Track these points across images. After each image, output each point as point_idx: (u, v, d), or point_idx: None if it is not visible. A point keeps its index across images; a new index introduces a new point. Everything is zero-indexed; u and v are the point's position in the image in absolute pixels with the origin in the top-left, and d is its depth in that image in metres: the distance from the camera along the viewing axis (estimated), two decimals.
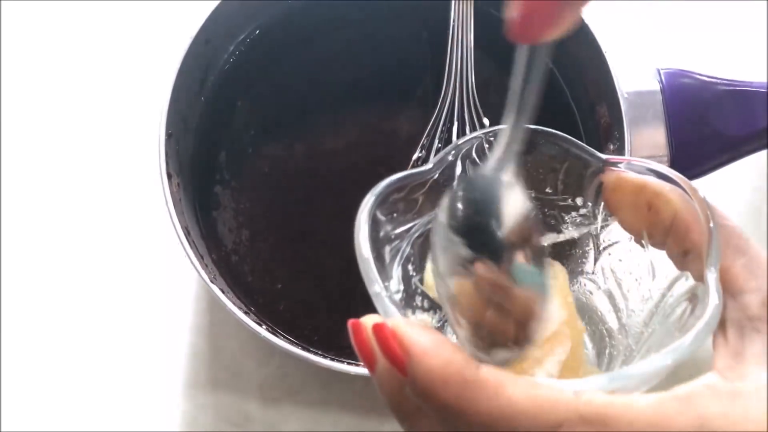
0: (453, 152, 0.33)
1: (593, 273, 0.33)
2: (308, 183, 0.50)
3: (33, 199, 0.54)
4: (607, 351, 0.32)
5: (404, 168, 0.48)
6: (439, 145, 0.49)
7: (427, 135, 0.49)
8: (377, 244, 0.30)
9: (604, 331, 0.32)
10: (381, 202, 0.30)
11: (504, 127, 0.28)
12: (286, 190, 0.50)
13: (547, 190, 0.33)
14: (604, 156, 0.31)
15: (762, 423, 0.22)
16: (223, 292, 0.43)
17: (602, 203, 0.32)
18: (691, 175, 0.49)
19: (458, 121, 0.48)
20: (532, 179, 0.33)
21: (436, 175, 0.33)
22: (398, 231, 0.32)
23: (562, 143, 0.32)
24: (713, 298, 0.25)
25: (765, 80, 0.48)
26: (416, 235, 0.33)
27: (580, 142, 0.32)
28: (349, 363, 0.44)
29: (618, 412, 0.22)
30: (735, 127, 0.47)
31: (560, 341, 0.29)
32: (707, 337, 0.25)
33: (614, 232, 0.32)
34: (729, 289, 0.26)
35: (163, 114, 0.45)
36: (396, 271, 0.31)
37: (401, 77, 0.52)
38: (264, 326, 0.44)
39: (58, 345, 0.51)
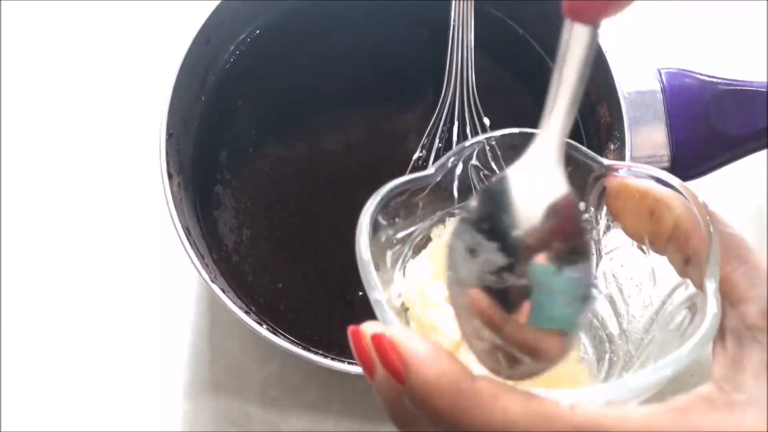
0: (455, 157, 0.33)
1: (595, 278, 0.33)
2: (309, 182, 0.50)
3: (33, 200, 0.54)
4: (607, 356, 0.31)
5: (405, 167, 0.49)
6: (440, 145, 0.49)
7: (428, 135, 0.49)
8: (379, 248, 0.30)
9: (605, 336, 0.32)
10: (383, 206, 0.30)
11: (512, 131, 0.28)
12: (286, 190, 0.50)
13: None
14: (606, 161, 0.31)
15: None
16: (223, 291, 0.43)
17: (604, 208, 0.32)
18: (692, 175, 0.49)
19: (459, 120, 0.48)
20: None
21: (438, 180, 0.32)
22: (400, 235, 0.32)
23: (567, 149, 0.32)
24: (711, 308, 0.25)
25: (765, 80, 0.48)
26: (418, 239, 0.33)
27: (583, 147, 0.32)
28: (349, 363, 0.44)
29: (613, 425, 0.22)
30: (735, 126, 0.47)
31: None
32: (705, 347, 0.24)
33: (616, 238, 0.32)
34: (729, 298, 0.26)
35: (164, 114, 0.45)
36: (397, 276, 0.31)
37: (402, 77, 0.52)
38: (265, 326, 0.44)
39: (59, 345, 0.51)
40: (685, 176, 0.49)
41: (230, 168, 0.50)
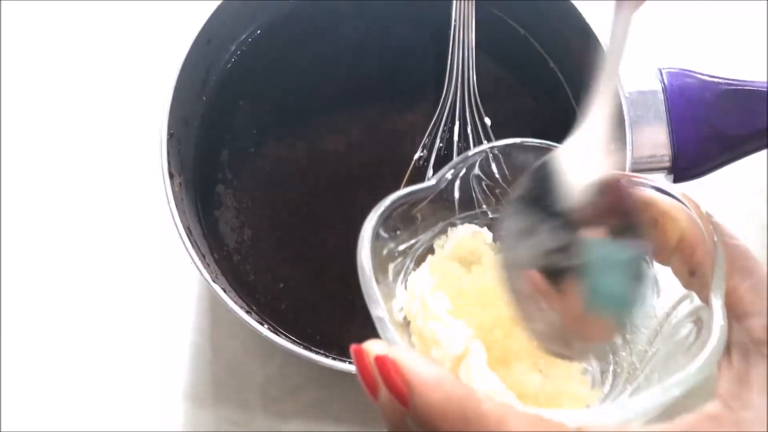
0: (456, 167, 0.32)
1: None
2: (310, 182, 0.50)
3: (34, 200, 0.54)
4: (610, 368, 0.31)
5: (405, 167, 0.49)
6: (441, 145, 0.49)
7: (429, 135, 0.49)
8: (380, 262, 0.30)
9: (608, 348, 0.32)
10: (385, 219, 0.30)
11: (515, 141, 0.28)
12: (287, 190, 0.50)
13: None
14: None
15: None
16: (224, 291, 0.43)
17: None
18: (693, 175, 0.49)
19: (459, 120, 0.48)
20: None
21: (439, 190, 0.32)
22: (401, 248, 0.32)
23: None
24: (718, 325, 0.25)
25: (766, 80, 0.48)
26: (420, 251, 0.32)
27: None
28: (351, 362, 0.43)
29: None
30: (736, 126, 0.47)
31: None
32: (712, 365, 0.24)
33: None
34: (734, 311, 0.26)
35: (165, 114, 0.45)
36: (399, 289, 0.31)
37: (403, 77, 0.52)
38: (266, 325, 0.44)
39: (59, 345, 0.51)
40: (686, 176, 0.49)
41: (231, 168, 0.50)
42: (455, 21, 0.49)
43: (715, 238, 0.26)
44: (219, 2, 0.47)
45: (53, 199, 0.54)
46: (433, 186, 0.32)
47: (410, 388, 0.23)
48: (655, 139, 0.48)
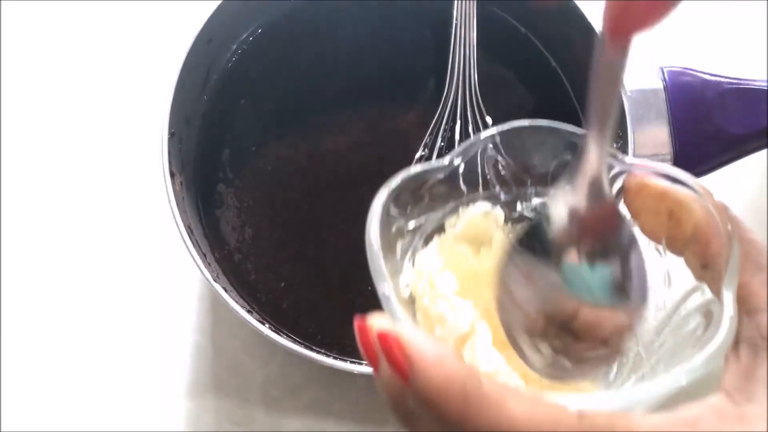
0: (468, 148, 0.32)
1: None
2: (311, 181, 0.50)
3: (35, 200, 0.54)
4: None
5: (407, 166, 0.49)
6: (442, 144, 0.49)
7: (430, 134, 0.49)
8: (389, 238, 0.30)
9: None
10: (395, 197, 0.29)
11: (524, 123, 0.28)
12: (289, 189, 0.50)
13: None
14: (628, 159, 0.31)
15: None
16: (225, 290, 0.43)
17: (622, 206, 0.31)
18: (694, 174, 0.48)
19: (461, 119, 0.48)
20: (550, 177, 0.33)
21: (451, 171, 0.32)
22: (411, 226, 0.31)
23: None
24: (728, 319, 0.25)
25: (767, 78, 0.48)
26: (429, 229, 0.32)
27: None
28: (352, 362, 0.44)
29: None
30: (738, 125, 0.47)
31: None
32: (719, 358, 0.24)
33: None
34: (745, 306, 0.25)
35: (166, 113, 0.45)
36: (406, 266, 0.31)
37: (404, 76, 0.52)
38: (267, 325, 0.44)
39: (60, 345, 0.51)
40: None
41: (232, 167, 0.50)
42: (456, 20, 0.49)
43: (731, 230, 0.26)
44: (220, 2, 0.47)
45: (54, 198, 0.54)
46: (445, 166, 0.32)
47: (411, 364, 0.22)
48: (656, 137, 0.48)
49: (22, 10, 0.58)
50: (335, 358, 0.44)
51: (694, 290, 0.28)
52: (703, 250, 0.27)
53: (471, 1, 0.49)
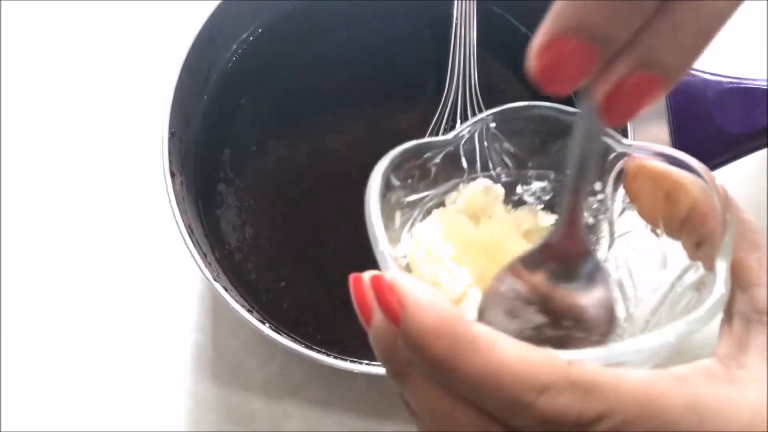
0: (471, 126, 0.32)
1: (606, 260, 0.33)
2: (311, 181, 0.50)
3: (35, 199, 0.54)
4: (609, 338, 0.31)
5: None
6: None
7: (430, 133, 0.49)
8: (389, 208, 0.30)
9: None
10: (396, 166, 0.30)
11: (529, 104, 0.29)
12: (289, 188, 0.50)
13: (567, 171, 0.33)
14: (627, 141, 0.31)
15: (756, 412, 0.22)
16: (226, 290, 0.43)
17: (620, 190, 0.32)
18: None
19: (461, 118, 0.48)
20: (552, 160, 0.33)
21: (453, 147, 0.32)
22: (411, 199, 0.32)
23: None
24: (721, 283, 0.25)
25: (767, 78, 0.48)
26: (430, 204, 0.33)
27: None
28: (352, 361, 0.44)
29: (608, 382, 0.22)
30: (738, 124, 0.47)
31: None
32: (712, 318, 0.24)
33: (630, 220, 0.32)
34: (740, 282, 0.26)
35: (166, 112, 0.45)
36: (405, 236, 0.31)
37: (404, 75, 0.52)
38: (267, 324, 0.44)
39: (60, 345, 0.51)
40: None
41: (233, 166, 0.50)
42: (457, 19, 0.49)
43: (729, 209, 0.27)
44: (220, 2, 0.47)
45: (54, 198, 0.54)
46: (448, 140, 0.32)
47: (403, 306, 0.22)
48: (656, 137, 0.48)
49: (22, 10, 0.58)
50: (335, 357, 0.44)
51: (688, 268, 0.29)
52: (699, 227, 0.28)
53: (471, 1, 0.49)
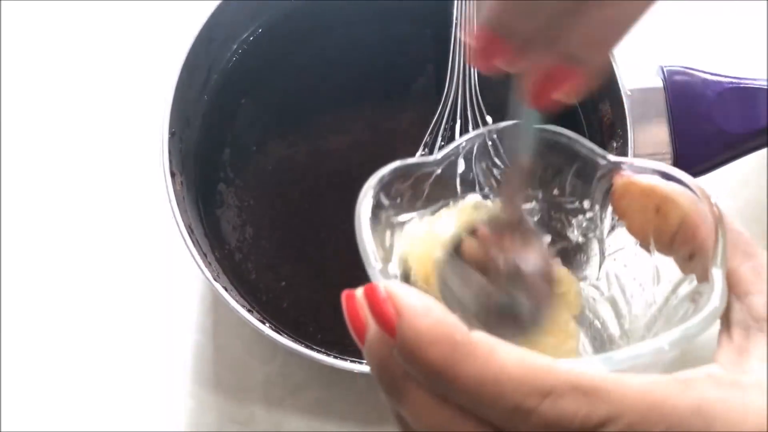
0: (460, 146, 0.33)
1: (597, 279, 0.33)
2: (312, 181, 0.50)
3: (35, 199, 0.54)
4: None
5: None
6: (443, 143, 0.49)
7: (430, 133, 0.49)
8: (379, 227, 0.30)
9: (606, 338, 0.32)
10: (385, 185, 0.30)
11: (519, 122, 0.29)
12: (289, 188, 0.50)
13: (555, 191, 0.33)
14: (614, 158, 0.31)
15: (761, 414, 0.22)
16: (226, 290, 0.43)
17: (609, 207, 0.32)
18: (694, 173, 0.49)
19: (461, 119, 0.48)
20: (539, 179, 0.33)
21: (442, 168, 0.32)
22: (401, 219, 0.32)
23: (572, 144, 0.31)
24: (718, 289, 0.25)
25: (767, 77, 0.48)
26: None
27: (590, 144, 0.31)
28: (352, 361, 0.44)
29: (611, 386, 0.21)
30: (738, 124, 0.47)
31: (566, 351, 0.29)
32: (710, 323, 0.24)
33: (620, 238, 0.32)
34: (735, 291, 0.26)
35: (166, 113, 0.45)
36: (396, 257, 0.31)
37: (404, 75, 0.52)
38: (267, 324, 0.44)
39: (61, 345, 0.51)
40: (688, 174, 0.48)
41: (233, 166, 0.50)
42: (456, 19, 0.49)
43: (719, 219, 0.27)
44: (220, 2, 0.47)
45: (54, 198, 0.54)
46: (436, 161, 0.32)
47: (399, 314, 0.22)
48: (656, 137, 0.48)
49: (22, 10, 0.58)
50: (336, 357, 0.44)
51: (682, 281, 0.28)
52: (691, 239, 0.28)
53: (471, 1, 0.49)
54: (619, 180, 0.30)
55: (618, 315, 0.32)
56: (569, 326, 0.30)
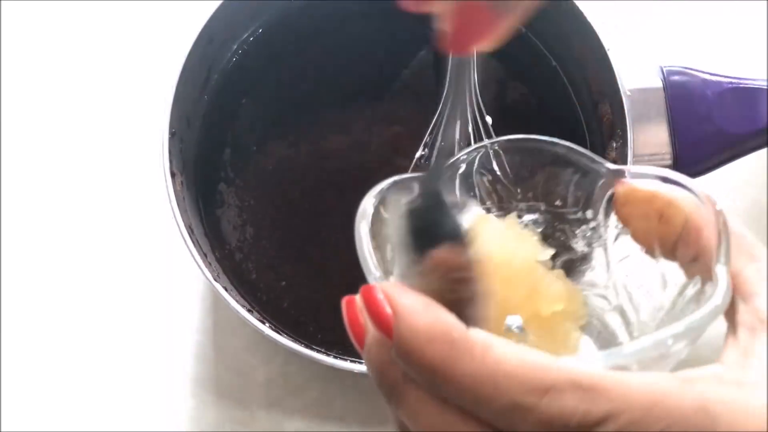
0: (459, 160, 0.33)
1: (605, 288, 0.33)
2: (312, 181, 0.50)
3: (35, 200, 0.54)
4: None
5: (407, 166, 0.49)
6: (442, 143, 0.48)
7: (430, 133, 0.49)
8: (379, 240, 0.30)
9: (614, 346, 0.32)
10: (385, 198, 0.30)
11: (517, 137, 0.29)
12: (289, 188, 0.50)
13: (557, 203, 0.33)
14: (614, 167, 0.31)
15: (765, 414, 0.22)
16: (226, 290, 0.43)
17: (612, 216, 0.31)
18: (694, 173, 0.49)
19: (461, 119, 0.48)
20: (540, 191, 0.33)
21: (441, 181, 0.32)
22: None
23: (571, 154, 0.32)
24: (722, 284, 0.25)
25: (767, 77, 0.48)
26: None
27: (588, 152, 0.31)
28: (352, 361, 0.44)
29: (612, 382, 0.21)
30: (738, 124, 0.47)
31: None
32: (714, 317, 0.24)
33: (625, 245, 0.31)
34: (741, 293, 0.26)
35: (167, 113, 0.45)
36: (396, 269, 0.31)
37: (404, 75, 0.52)
38: (267, 324, 0.44)
39: (61, 346, 0.51)
40: (688, 174, 0.48)
41: (233, 166, 0.50)
42: None
43: (723, 220, 0.27)
44: (220, 2, 0.47)
45: (54, 199, 0.54)
46: (434, 176, 0.32)
47: (396, 313, 0.22)
48: (656, 137, 0.48)
49: (22, 10, 0.58)
50: (336, 357, 0.44)
51: (687, 284, 0.28)
52: (694, 241, 0.28)
53: None
54: (620, 188, 0.30)
55: (626, 323, 0.31)
56: (571, 337, 0.30)
